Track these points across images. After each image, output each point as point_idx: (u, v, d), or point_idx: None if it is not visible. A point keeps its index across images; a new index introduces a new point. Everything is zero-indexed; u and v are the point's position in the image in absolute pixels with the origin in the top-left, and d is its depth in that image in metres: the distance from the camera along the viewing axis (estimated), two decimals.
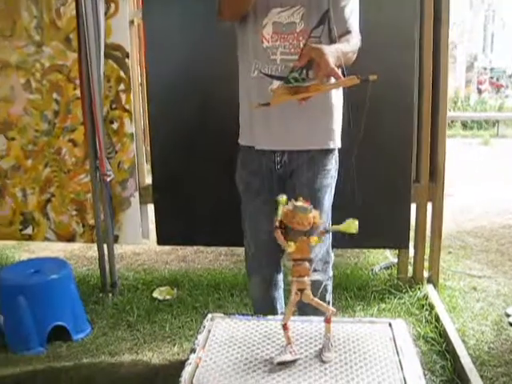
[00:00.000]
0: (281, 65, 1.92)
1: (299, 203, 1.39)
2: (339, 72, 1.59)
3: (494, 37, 22.23)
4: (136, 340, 2.61)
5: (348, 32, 1.86)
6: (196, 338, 1.64)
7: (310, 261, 1.45)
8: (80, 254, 3.82)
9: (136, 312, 2.85)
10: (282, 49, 1.92)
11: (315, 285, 2.02)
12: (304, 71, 1.76)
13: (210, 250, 3.92)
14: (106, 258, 3.11)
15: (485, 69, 20.35)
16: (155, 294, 3.08)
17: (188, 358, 1.53)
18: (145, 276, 3.37)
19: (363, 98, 1.75)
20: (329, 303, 2.14)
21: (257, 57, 1.95)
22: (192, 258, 3.83)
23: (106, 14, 2.83)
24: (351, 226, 1.41)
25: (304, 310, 1.88)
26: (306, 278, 1.45)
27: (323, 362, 1.46)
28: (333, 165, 2.03)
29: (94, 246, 3.60)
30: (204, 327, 1.70)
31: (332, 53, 1.62)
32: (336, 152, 2.05)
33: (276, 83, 1.83)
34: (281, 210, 1.40)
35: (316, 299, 1.50)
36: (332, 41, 1.88)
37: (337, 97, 2.00)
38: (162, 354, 2.47)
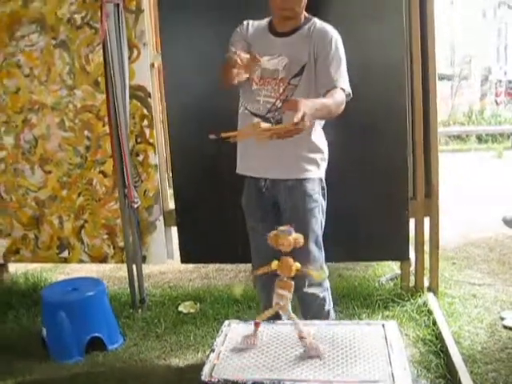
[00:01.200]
0: (263, 105, 2.25)
1: (282, 228, 1.72)
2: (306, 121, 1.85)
3: (508, 49, 22.39)
4: (164, 349, 2.91)
5: (334, 88, 2.15)
6: (215, 340, 1.95)
7: (293, 278, 1.76)
8: (111, 274, 4.15)
9: (163, 324, 3.16)
10: (265, 92, 2.26)
11: (312, 297, 2.36)
12: (277, 113, 2.15)
13: (230, 268, 4.21)
14: (135, 276, 3.43)
15: (500, 81, 20.50)
16: (180, 308, 3.38)
17: (208, 357, 1.84)
18: (170, 292, 3.68)
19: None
20: (328, 312, 2.43)
21: (246, 96, 2.30)
22: (213, 275, 4.13)
23: (129, 58, 3.19)
24: (321, 275, 1.78)
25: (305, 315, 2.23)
26: (286, 293, 1.75)
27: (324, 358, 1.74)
28: (315, 191, 2.33)
29: (124, 267, 3.95)
30: (222, 331, 2.02)
31: (307, 105, 1.89)
32: (318, 179, 2.34)
33: (256, 119, 2.19)
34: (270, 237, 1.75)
35: (290, 312, 1.79)
36: (311, 91, 2.19)
37: (317, 133, 2.32)
38: (188, 360, 2.78)
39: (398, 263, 3.48)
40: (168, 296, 3.59)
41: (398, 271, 3.50)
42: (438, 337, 2.77)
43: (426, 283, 3.30)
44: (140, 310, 3.36)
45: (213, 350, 1.88)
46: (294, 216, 2.21)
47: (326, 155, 2.37)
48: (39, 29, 3.29)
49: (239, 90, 2.37)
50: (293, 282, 1.76)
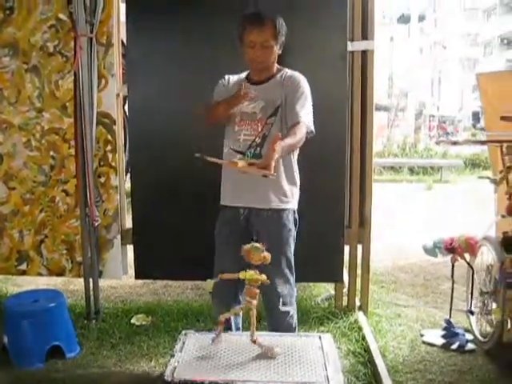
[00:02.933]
0: (243, 143, 2.60)
1: (256, 244, 2.06)
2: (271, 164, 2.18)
3: (441, 85, 23.79)
4: (119, 357, 3.15)
5: (297, 123, 2.51)
6: (174, 347, 2.23)
7: (259, 287, 2.09)
8: (63, 287, 4.30)
9: (118, 335, 3.40)
10: (245, 131, 2.62)
11: (284, 315, 2.70)
12: (258, 149, 2.48)
13: (177, 285, 4.48)
14: (91, 290, 3.65)
15: (433, 116, 21.76)
16: (133, 321, 3.62)
17: (169, 361, 2.12)
18: (123, 306, 3.91)
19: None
20: (295, 329, 2.77)
21: (229, 138, 2.66)
22: (162, 291, 4.39)
23: (98, 87, 3.46)
24: (210, 285, 2.17)
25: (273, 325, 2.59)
26: (253, 301, 2.09)
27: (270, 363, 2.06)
28: (289, 221, 2.68)
29: (75, 281, 4.18)
30: (180, 339, 2.31)
31: (278, 151, 2.22)
32: (291, 211, 2.69)
33: (238, 156, 2.53)
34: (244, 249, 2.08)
35: (254, 321, 2.11)
36: (283, 127, 2.56)
37: (293, 166, 2.68)
38: (142, 368, 3.03)
39: (333, 285, 3.86)
40: (121, 309, 3.82)
41: (333, 292, 3.88)
42: (367, 350, 3.14)
43: (358, 303, 3.70)
44: (94, 321, 3.58)
45: (173, 356, 2.16)
46: (270, 244, 2.35)
47: (298, 187, 2.72)
48: (11, 53, 3.51)
49: (224, 127, 2.72)
50: (258, 290, 2.09)
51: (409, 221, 7.32)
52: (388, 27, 27.71)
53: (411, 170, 12.84)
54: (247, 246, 2.07)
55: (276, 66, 2.69)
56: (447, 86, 31.70)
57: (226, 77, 2.78)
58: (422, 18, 23.25)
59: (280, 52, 2.65)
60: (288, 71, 2.69)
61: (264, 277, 2.09)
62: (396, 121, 19.87)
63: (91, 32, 3.36)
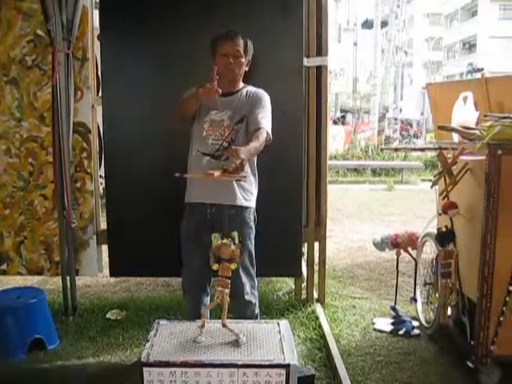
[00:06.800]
0: (211, 146, 2.91)
1: (225, 241, 2.37)
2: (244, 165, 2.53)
3: (404, 90, 24.49)
4: (97, 348, 3.43)
5: (259, 129, 2.84)
6: (148, 334, 2.52)
7: (229, 278, 2.40)
8: (40, 286, 4.55)
9: (95, 328, 3.67)
10: (213, 136, 2.93)
11: (246, 304, 3.02)
12: (224, 151, 2.81)
13: (149, 282, 4.77)
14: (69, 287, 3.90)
15: (396, 119, 22.38)
16: (108, 315, 3.89)
17: (145, 345, 2.41)
18: (98, 302, 4.18)
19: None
20: (257, 316, 3.08)
21: (196, 141, 2.96)
22: (135, 288, 4.67)
23: (74, 98, 3.72)
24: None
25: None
26: (225, 290, 2.40)
27: (234, 345, 2.37)
28: (250, 219, 3.00)
29: (51, 281, 4.42)
30: (154, 327, 2.59)
31: (245, 152, 2.57)
32: (252, 209, 3.01)
33: (206, 158, 2.83)
34: (214, 243, 2.36)
35: (226, 307, 2.42)
36: (248, 133, 2.88)
37: (254, 170, 3.00)
38: (119, 357, 3.32)
39: (293, 279, 4.20)
40: (97, 305, 4.10)
41: (293, 286, 4.22)
42: (322, 337, 3.49)
43: (315, 296, 4.05)
44: (72, 317, 3.84)
45: (148, 340, 2.45)
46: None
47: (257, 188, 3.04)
48: None
49: (190, 132, 3.02)
50: (229, 281, 2.39)
51: (370, 220, 7.73)
52: (352, 33, 28.49)
53: (374, 172, 13.31)
54: (218, 243, 2.38)
55: (241, 82, 3.02)
56: (411, 90, 32.62)
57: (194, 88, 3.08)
58: (385, 24, 23.88)
59: (246, 69, 2.99)
60: (252, 88, 3.02)
61: (233, 267, 2.41)
62: (360, 124, 20.45)
63: (68, 48, 3.62)
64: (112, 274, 3.92)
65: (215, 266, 2.41)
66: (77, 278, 3.98)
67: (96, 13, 3.90)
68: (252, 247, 3.01)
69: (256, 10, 3.59)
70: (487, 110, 3.76)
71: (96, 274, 4.00)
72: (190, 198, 3.02)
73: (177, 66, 3.62)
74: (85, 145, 3.80)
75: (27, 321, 3.33)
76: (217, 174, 2.50)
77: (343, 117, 24.23)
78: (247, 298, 2.99)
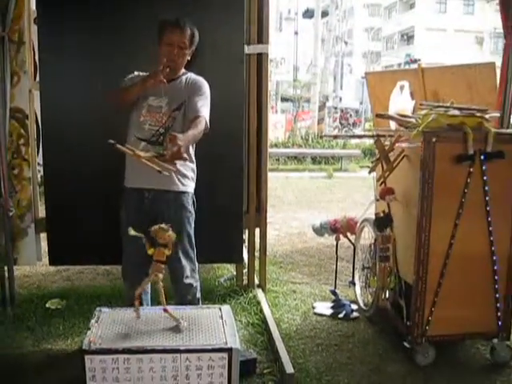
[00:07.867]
0: (148, 131, 2.92)
1: (162, 225, 2.38)
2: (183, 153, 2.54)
3: (343, 79, 24.93)
4: (36, 338, 3.36)
5: (198, 117, 2.85)
6: (90, 322, 2.51)
7: (164, 263, 2.42)
8: None
9: (34, 318, 3.60)
10: (150, 122, 2.94)
11: (188, 287, 3.04)
12: (161, 138, 2.81)
13: (89, 271, 4.72)
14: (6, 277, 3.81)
15: (335, 108, 22.77)
16: (48, 305, 3.82)
17: (86, 333, 2.40)
18: (37, 292, 4.11)
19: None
20: (199, 300, 3.11)
21: (134, 127, 2.95)
22: (75, 277, 4.60)
23: (11, 83, 3.62)
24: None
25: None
26: (159, 275, 2.41)
27: (176, 331, 2.40)
28: (189, 203, 3.03)
29: None
30: (95, 315, 2.58)
31: (183, 140, 2.56)
32: (191, 194, 3.04)
33: (143, 143, 2.83)
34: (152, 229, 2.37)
35: (162, 291, 2.44)
36: (185, 121, 2.89)
37: (191, 157, 3.01)
38: (59, 346, 3.28)
39: (235, 265, 4.26)
40: (36, 295, 4.02)
41: (234, 272, 4.28)
42: (264, 321, 3.56)
43: (257, 281, 4.12)
44: (10, 307, 3.75)
45: (89, 328, 2.44)
46: (173, 223, 2.59)
47: (195, 174, 3.05)
48: None
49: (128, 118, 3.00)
50: (163, 266, 2.41)
51: (310, 207, 7.88)
52: (293, 22, 28.66)
53: (314, 160, 13.54)
54: (155, 227, 2.39)
55: (183, 70, 3.03)
56: (350, 79, 33.21)
57: (136, 73, 3.07)
58: (325, 14, 24.16)
59: (189, 58, 3.00)
60: (192, 75, 3.04)
61: (168, 252, 2.42)
62: (301, 112, 20.67)
63: (3, 30, 3.52)
64: (51, 263, 3.85)
65: (150, 251, 2.42)
66: (15, 267, 3.89)
67: None
68: (191, 231, 3.04)
69: None
70: (423, 98, 3.92)
71: (35, 263, 3.93)
72: (128, 183, 3.02)
73: (116, 52, 3.56)
74: (22, 131, 3.71)
75: None
76: (144, 155, 2.50)
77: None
78: (187, 281, 3.02)
